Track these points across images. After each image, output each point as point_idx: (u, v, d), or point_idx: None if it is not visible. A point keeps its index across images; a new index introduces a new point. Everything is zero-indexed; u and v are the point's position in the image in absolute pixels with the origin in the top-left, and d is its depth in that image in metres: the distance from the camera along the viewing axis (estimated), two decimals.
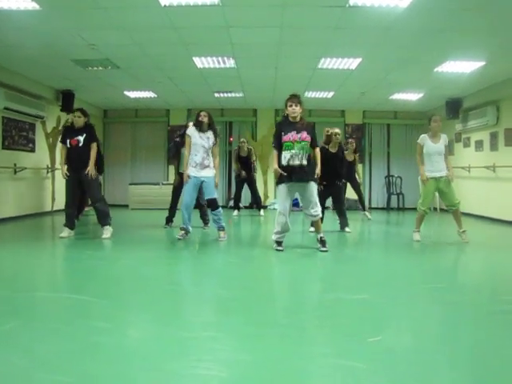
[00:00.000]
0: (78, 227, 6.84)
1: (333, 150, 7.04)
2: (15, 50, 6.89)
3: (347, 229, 7.35)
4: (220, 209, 6.27)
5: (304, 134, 5.34)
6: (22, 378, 2.03)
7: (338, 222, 7.59)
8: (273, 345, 2.47)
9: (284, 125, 5.41)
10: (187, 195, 6.10)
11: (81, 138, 6.19)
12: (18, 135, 8.84)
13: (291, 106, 5.32)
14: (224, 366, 2.17)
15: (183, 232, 6.19)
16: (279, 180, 5.37)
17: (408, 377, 2.09)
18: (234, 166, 10.27)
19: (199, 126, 6.11)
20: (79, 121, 6.23)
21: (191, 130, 6.13)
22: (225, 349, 2.38)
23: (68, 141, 6.18)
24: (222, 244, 6.01)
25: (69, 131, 6.32)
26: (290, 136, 5.31)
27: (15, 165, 8.68)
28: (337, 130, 7.07)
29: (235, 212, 10.10)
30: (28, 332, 2.58)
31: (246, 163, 9.98)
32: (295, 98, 5.36)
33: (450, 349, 2.43)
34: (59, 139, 6.49)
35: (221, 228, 6.27)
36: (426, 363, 2.24)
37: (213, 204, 6.22)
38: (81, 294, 3.44)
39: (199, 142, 6.07)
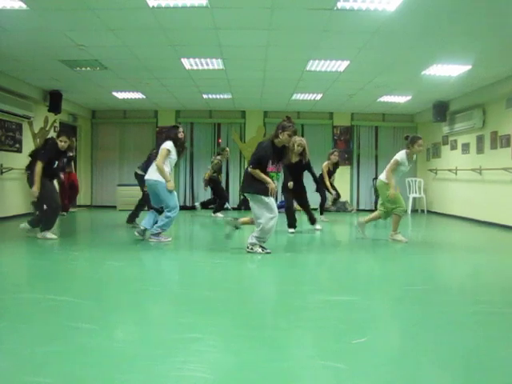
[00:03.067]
0: (63, 227, 6.78)
1: (294, 160, 7.23)
2: (2, 50, 6.82)
3: (317, 226, 7.59)
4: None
5: (280, 166, 5.68)
6: (6, 379, 2.01)
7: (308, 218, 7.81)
8: (258, 346, 2.48)
9: (271, 153, 5.40)
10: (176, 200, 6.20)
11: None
12: (5, 135, 8.76)
13: (290, 136, 5.37)
14: (210, 368, 2.17)
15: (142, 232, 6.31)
16: (266, 193, 5.34)
17: (393, 378, 2.11)
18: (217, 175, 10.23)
19: (180, 145, 6.25)
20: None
21: (171, 145, 6.13)
22: (210, 350, 2.39)
23: (56, 162, 6.36)
24: (208, 245, 6.01)
25: (57, 153, 6.32)
26: (275, 167, 5.53)
27: (1, 165, 8.59)
28: (297, 140, 7.04)
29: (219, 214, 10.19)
30: (13, 334, 2.57)
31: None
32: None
33: (435, 350, 2.46)
34: (43, 156, 6.16)
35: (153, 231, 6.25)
36: (410, 364, 2.27)
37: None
38: (65, 296, 3.42)
39: (174, 158, 6.20)
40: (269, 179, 5.33)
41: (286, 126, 5.33)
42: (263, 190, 5.31)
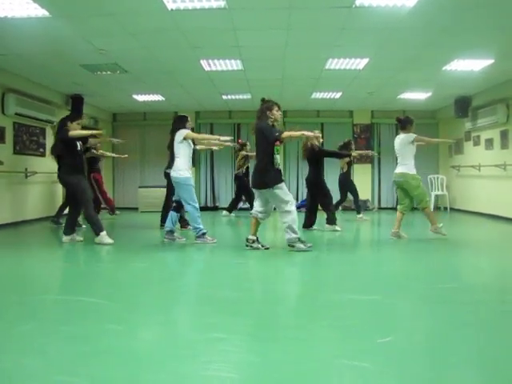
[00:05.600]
0: (87, 230, 6.86)
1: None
2: (26, 58, 6.97)
3: (337, 227, 7.43)
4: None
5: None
6: (35, 379, 2.06)
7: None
8: (283, 346, 2.48)
9: None
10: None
11: None
12: (29, 140, 8.93)
13: (278, 110, 5.53)
14: (234, 368, 2.18)
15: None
16: (281, 179, 5.44)
17: (419, 378, 2.09)
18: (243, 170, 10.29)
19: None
20: None
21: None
22: (235, 350, 2.39)
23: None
24: (231, 245, 6.02)
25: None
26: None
27: (26, 169, 8.77)
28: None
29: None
30: (41, 334, 2.62)
31: None
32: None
33: (461, 349, 2.43)
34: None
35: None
36: (436, 364, 2.23)
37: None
38: (93, 297, 3.48)
39: (192, 147, 6.31)
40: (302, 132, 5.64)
41: (269, 105, 5.49)
42: (279, 178, 5.41)
